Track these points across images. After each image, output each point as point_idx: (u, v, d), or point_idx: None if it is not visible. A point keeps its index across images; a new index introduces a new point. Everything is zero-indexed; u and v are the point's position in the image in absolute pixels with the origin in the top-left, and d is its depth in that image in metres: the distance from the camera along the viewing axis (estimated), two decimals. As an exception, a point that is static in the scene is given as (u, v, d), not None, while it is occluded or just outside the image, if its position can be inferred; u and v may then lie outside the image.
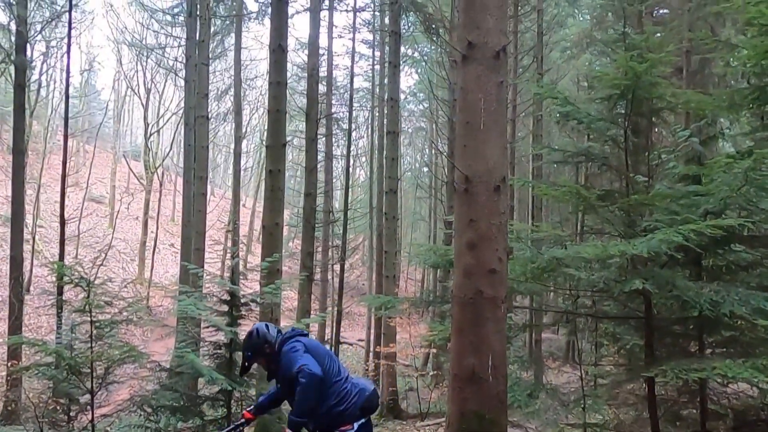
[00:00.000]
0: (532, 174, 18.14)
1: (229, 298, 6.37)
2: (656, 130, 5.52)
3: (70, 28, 13.17)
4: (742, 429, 6.08)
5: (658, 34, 13.23)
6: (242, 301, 6.51)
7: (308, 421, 3.08)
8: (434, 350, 13.17)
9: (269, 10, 21.14)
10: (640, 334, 6.14)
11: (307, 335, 3.42)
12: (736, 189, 4.00)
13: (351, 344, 27.51)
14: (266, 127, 9.30)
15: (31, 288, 20.97)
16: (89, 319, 5.66)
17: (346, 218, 18.84)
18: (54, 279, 11.55)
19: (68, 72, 13.06)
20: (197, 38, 15.23)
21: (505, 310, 3.59)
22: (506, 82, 3.61)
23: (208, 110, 15.66)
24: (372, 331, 20.83)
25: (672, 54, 5.01)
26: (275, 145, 8.71)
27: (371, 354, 20.33)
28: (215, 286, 6.82)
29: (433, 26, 12.08)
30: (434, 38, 17.79)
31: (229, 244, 24.15)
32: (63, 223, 11.38)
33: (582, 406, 5.78)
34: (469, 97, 3.56)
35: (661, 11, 17.16)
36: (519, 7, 16.97)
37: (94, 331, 5.77)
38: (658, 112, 5.01)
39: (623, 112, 4.87)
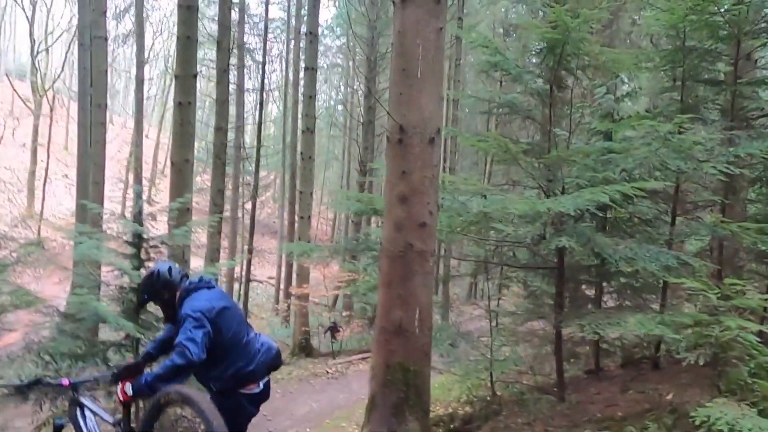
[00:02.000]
0: (449, 121, 18.29)
1: (135, 240, 5.96)
2: (578, 85, 5.62)
3: None
4: (629, 365, 6.70)
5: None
6: (150, 243, 6.12)
7: (209, 383, 2.97)
8: (346, 292, 13.33)
9: None
10: (547, 281, 6.51)
11: (213, 286, 3.15)
12: (654, 150, 4.17)
13: (261, 282, 27.33)
14: (174, 54, 8.61)
15: None
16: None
17: (258, 155, 18.22)
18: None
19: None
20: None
21: (433, 263, 3.60)
22: (446, 29, 3.46)
23: (107, 30, 14.21)
24: (283, 269, 20.76)
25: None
26: (185, 75, 8.08)
27: (282, 293, 20.33)
28: (118, 225, 6.34)
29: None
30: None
31: (131, 178, 22.73)
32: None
33: (490, 346, 6.07)
34: (406, 43, 3.37)
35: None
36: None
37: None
38: (584, 68, 5.08)
39: (550, 65, 4.89)
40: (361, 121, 20.87)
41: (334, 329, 13.22)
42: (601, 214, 5.46)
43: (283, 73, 29.05)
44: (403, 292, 3.43)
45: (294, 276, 15.47)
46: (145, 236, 6.04)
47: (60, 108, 31.39)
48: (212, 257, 14.37)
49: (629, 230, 5.99)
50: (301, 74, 17.58)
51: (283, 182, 25.97)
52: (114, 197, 28.10)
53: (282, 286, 20.73)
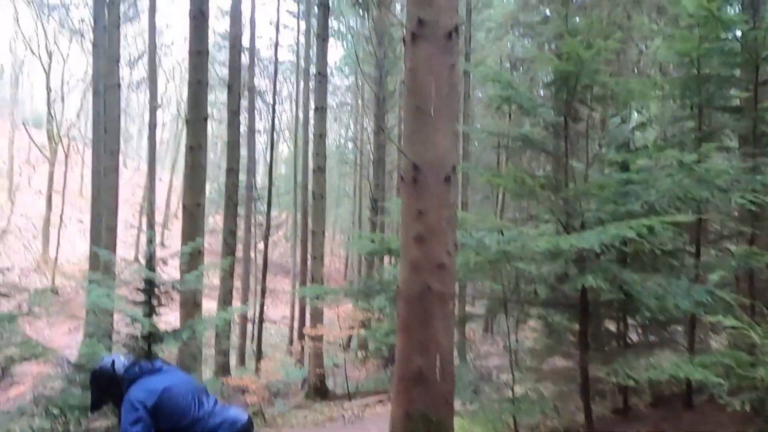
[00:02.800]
0: (460, 156, 18.26)
1: (146, 286, 5.86)
2: (593, 117, 5.52)
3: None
4: (660, 404, 6.38)
5: (577, 18, 13.49)
6: (162, 288, 6.02)
7: None
8: (360, 330, 13.08)
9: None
10: (568, 317, 6.28)
11: (161, 368, 2.98)
12: (678, 181, 4.03)
13: (275, 322, 27.08)
14: (185, 99, 8.70)
15: None
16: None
17: (270, 195, 18.31)
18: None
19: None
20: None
21: (454, 306, 3.44)
22: (458, 65, 3.39)
23: (120, 77, 14.47)
24: (297, 309, 20.52)
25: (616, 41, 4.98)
26: (196, 119, 8.12)
27: (296, 333, 20.05)
28: (130, 271, 6.26)
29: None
30: (362, 11, 17.35)
31: (144, 222, 22.83)
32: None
33: (512, 386, 5.83)
34: (418, 80, 3.30)
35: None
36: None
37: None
38: (599, 99, 4.99)
39: (563, 97, 4.81)
40: (372, 158, 20.95)
41: None
42: (621, 248, 5.30)
43: (293, 113, 29.41)
44: (423, 338, 3.26)
45: (308, 316, 15.26)
46: (156, 282, 5.95)
47: (75, 155, 31.90)
48: (225, 299, 14.24)
49: (651, 264, 5.80)
50: (311, 114, 17.72)
51: (295, 221, 25.96)
52: (127, 241, 28.25)
53: (296, 326, 20.47)
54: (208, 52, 8.20)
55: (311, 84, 19.11)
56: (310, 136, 18.50)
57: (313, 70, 16.45)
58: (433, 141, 3.29)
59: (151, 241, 6.74)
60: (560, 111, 4.92)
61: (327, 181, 18.53)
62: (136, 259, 25.70)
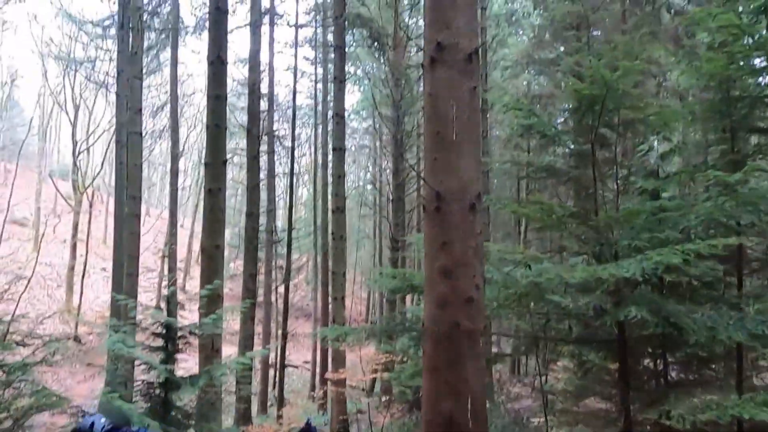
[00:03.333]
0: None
1: (164, 331, 5.70)
2: (621, 143, 5.33)
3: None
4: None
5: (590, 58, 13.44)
6: (179, 333, 5.84)
7: None
8: (383, 374, 12.68)
9: (207, 23, 20.43)
10: (603, 354, 5.93)
11: None
12: (720, 204, 3.79)
13: (296, 367, 26.59)
14: (205, 144, 8.72)
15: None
16: (-6, 362, 4.86)
17: (290, 238, 18.19)
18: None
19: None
20: (129, 51, 14.35)
21: (484, 344, 3.20)
22: (479, 89, 3.25)
23: (142, 127, 14.73)
24: (318, 353, 20.15)
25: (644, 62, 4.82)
26: (214, 163, 8.09)
27: (318, 378, 19.60)
28: (148, 318, 6.12)
29: (378, 42, 11.77)
30: (379, 54, 17.57)
31: (166, 268, 22.88)
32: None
33: (546, 429, 5.47)
34: (438, 105, 3.16)
35: (594, 32, 17.61)
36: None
37: (2, 376, 4.97)
38: (628, 124, 4.82)
39: (590, 123, 4.64)
40: (391, 198, 20.85)
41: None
42: (658, 279, 5.01)
43: (312, 156, 29.65)
44: (452, 379, 3.01)
45: (330, 360, 14.91)
46: (174, 327, 5.79)
47: (99, 204, 32.45)
48: (246, 344, 13.99)
49: (690, 295, 5.48)
50: (330, 156, 17.81)
51: (315, 264, 25.80)
52: (148, 287, 28.33)
53: (318, 371, 20.04)
54: (226, 97, 8.24)
55: (329, 126, 19.29)
56: (329, 178, 18.54)
57: (330, 113, 16.63)
58: (456, 167, 3.12)
59: (171, 284, 6.60)
60: (586, 138, 4.75)
61: (347, 222, 18.49)
62: (158, 305, 25.67)
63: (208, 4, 7.95)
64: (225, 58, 8.01)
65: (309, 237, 28.76)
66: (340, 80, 10.80)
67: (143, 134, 14.92)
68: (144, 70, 15.44)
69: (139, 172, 14.27)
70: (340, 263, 11.06)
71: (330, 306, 14.47)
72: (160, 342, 5.80)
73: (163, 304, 6.65)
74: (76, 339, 22.09)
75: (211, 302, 7.40)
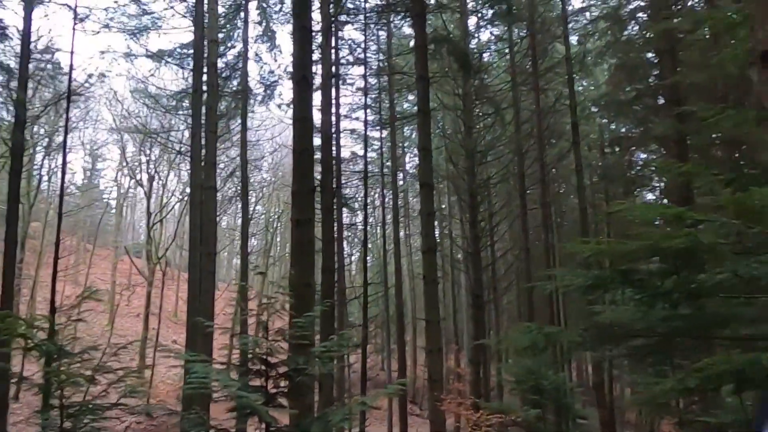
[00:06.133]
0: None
1: (262, 367, 4.76)
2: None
3: (66, 127, 13.09)
4: None
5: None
6: (278, 370, 4.88)
7: None
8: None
9: (274, 91, 20.78)
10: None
11: None
12: None
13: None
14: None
15: (20, 394, 18.71)
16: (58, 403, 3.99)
17: (366, 296, 17.26)
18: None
19: (64, 164, 13.46)
20: (203, 113, 14.29)
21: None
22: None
23: (216, 181, 14.51)
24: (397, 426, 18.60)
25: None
26: (302, 190, 7.37)
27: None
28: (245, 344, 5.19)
29: (464, 66, 11.17)
30: (455, 85, 16.96)
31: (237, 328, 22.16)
32: (53, 313, 9.96)
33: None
34: None
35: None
36: (540, 62, 16.41)
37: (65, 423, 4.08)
38: None
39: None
40: (469, 251, 19.72)
41: None
42: None
43: (376, 220, 29.33)
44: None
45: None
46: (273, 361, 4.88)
47: (171, 279, 32.70)
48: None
49: None
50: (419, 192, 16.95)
51: (388, 328, 24.52)
52: (220, 348, 27.65)
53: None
54: (312, 119, 7.65)
55: (408, 164, 18.68)
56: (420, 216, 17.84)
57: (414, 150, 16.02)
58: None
59: (244, 347, 5.64)
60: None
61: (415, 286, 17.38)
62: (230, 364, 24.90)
63: (291, 23, 7.51)
64: (310, 78, 7.51)
65: (375, 303, 27.44)
66: (424, 112, 10.15)
67: (217, 188, 14.67)
68: (217, 125, 15.39)
69: (214, 228, 13.93)
70: (434, 310, 9.92)
71: (426, 360, 13.15)
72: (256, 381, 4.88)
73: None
74: (148, 413, 21.39)
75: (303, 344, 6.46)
